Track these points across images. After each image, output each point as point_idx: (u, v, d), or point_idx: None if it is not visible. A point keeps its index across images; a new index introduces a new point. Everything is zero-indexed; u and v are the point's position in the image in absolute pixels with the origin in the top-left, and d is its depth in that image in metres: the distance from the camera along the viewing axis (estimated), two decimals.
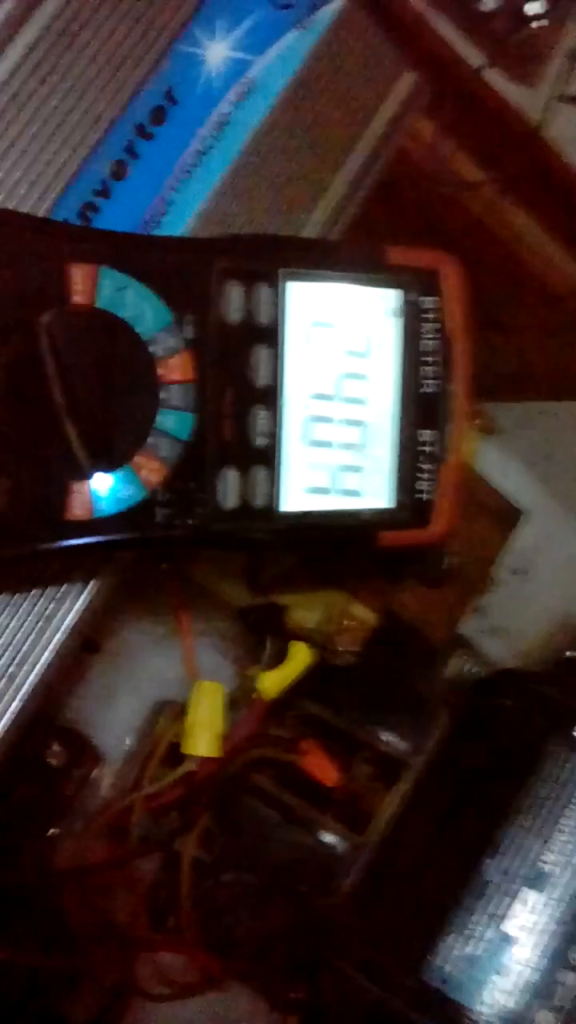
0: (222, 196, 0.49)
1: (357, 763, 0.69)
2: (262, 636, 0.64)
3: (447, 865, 0.61)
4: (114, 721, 0.72)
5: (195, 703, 0.61)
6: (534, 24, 0.60)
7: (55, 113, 0.45)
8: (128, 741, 0.72)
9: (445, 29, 0.58)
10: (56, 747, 0.68)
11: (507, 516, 0.69)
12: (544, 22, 0.59)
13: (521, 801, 0.60)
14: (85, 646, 0.67)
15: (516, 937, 0.58)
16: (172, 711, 0.69)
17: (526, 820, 0.59)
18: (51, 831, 0.68)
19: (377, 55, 0.53)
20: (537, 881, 0.58)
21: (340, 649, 0.63)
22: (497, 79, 0.59)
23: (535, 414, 0.87)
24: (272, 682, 0.62)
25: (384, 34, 0.53)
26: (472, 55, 0.58)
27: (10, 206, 0.44)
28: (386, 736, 0.69)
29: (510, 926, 0.58)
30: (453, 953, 0.58)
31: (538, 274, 0.70)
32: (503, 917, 0.58)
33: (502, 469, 0.82)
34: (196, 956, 0.67)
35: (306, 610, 0.64)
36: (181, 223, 0.48)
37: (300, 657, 0.63)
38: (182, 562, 0.65)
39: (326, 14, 0.51)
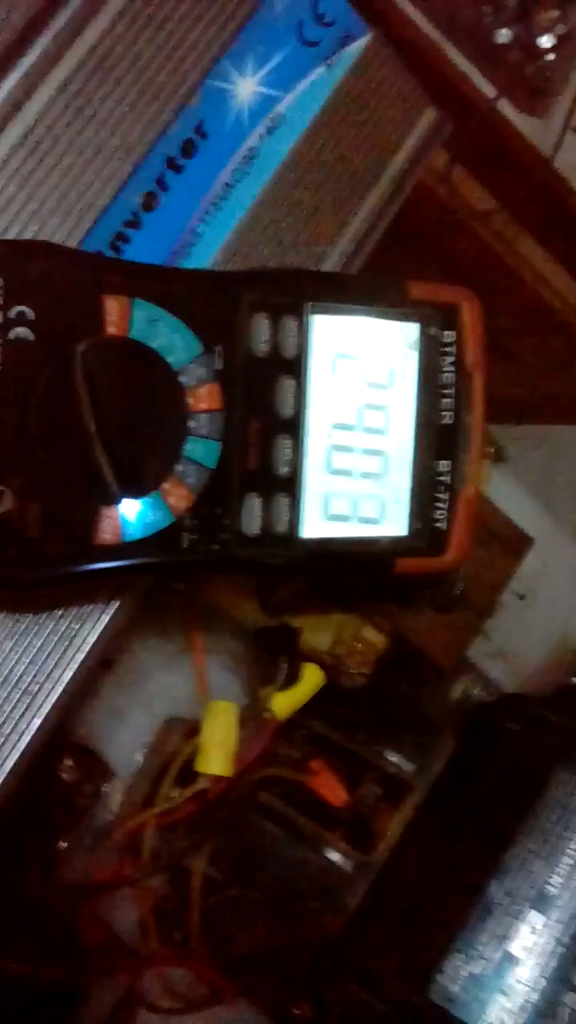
0: (249, 228, 0.49)
1: (364, 783, 0.69)
2: (276, 656, 0.64)
3: (452, 885, 0.62)
4: (125, 737, 0.73)
5: (210, 722, 0.61)
6: (547, 57, 0.61)
7: (89, 145, 0.46)
8: (138, 757, 0.73)
9: (460, 62, 0.59)
10: (69, 762, 0.69)
11: (515, 542, 0.70)
12: (557, 55, 0.61)
13: (527, 824, 0.61)
14: (99, 663, 0.67)
15: (521, 958, 0.58)
16: (183, 728, 0.69)
17: (532, 843, 0.60)
18: (61, 844, 0.69)
19: (400, 91, 0.53)
20: (542, 903, 0.59)
21: (350, 671, 0.64)
22: (510, 110, 0.60)
23: (539, 440, 0.88)
24: (284, 702, 0.63)
25: (406, 70, 0.54)
26: (486, 87, 0.59)
27: (43, 236, 0.45)
28: (393, 757, 0.70)
29: (515, 947, 0.59)
30: (458, 972, 0.59)
31: (545, 302, 0.71)
32: (508, 938, 0.59)
33: (510, 496, 0.83)
34: (202, 971, 0.67)
35: (318, 632, 0.65)
36: (209, 254, 0.49)
37: (312, 678, 0.64)
38: (196, 582, 0.66)
39: (351, 51, 0.52)
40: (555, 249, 0.69)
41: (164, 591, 0.63)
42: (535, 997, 0.58)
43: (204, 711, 0.62)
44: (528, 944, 0.58)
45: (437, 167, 0.63)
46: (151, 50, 0.47)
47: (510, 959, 0.58)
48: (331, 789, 0.67)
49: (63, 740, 0.70)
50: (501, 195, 0.66)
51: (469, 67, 0.59)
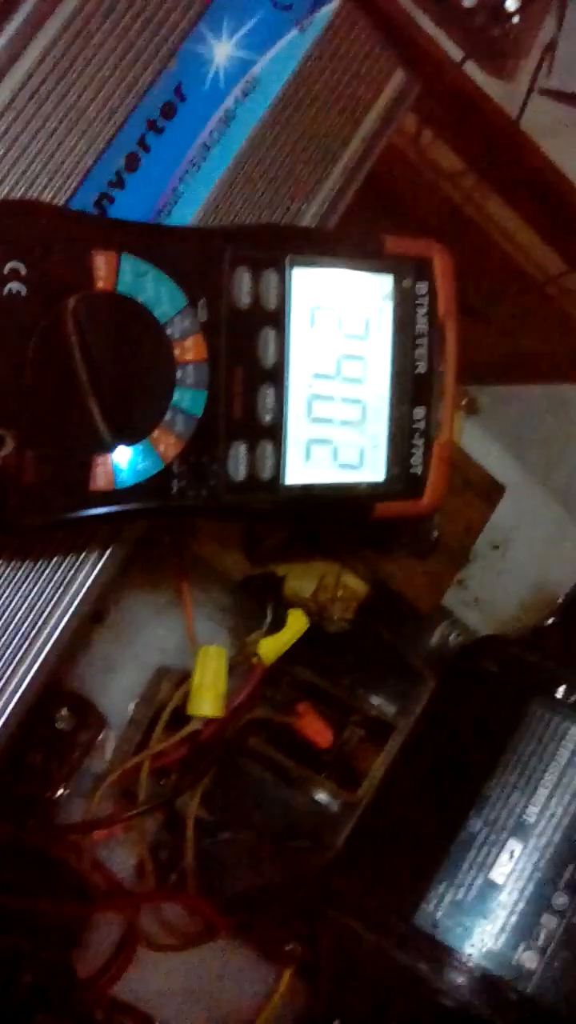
0: (228, 187, 0.51)
1: (348, 726, 0.71)
2: (262, 604, 0.66)
3: (435, 819, 0.64)
4: (117, 687, 0.75)
5: (201, 667, 0.63)
6: (513, 19, 0.62)
7: (73, 109, 0.47)
8: (130, 707, 0.75)
9: (428, 25, 0.60)
10: (64, 712, 0.71)
11: (490, 492, 0.72)
12: (522, 17, 0.62)
13: (505, 758, 0.63)
14: (91, 616, 0.69)
15: (501, 884, 0.61)
16: (173, 677, 0.71)
17: (509, 776, 0.63)
18: (59, 792, 0.71)
19: (370, 53, 0.55)
20: (521, 832, 0.62)
21: (333, 617, 0.66)
22: (477, 73, 0.61)
23: (511, 396, 0.90)
24: (271, 647, 0.65)
25: (376, 32, 0.55)
26: (453, 50, 0.60)
27: (32, 196, 0.46)
28: (376, 700, 0.72)
29: (496, 874, 0.61)
30: (443, 900, 0.61)
31: (514, 262, 0.72)
32: (489, 866, 0.61)
33: (483, 446, 0.85)
34: (198, 906, 0.69)
35: (302, 580, 0.66)
36: (190, 213, 0.50)
37: (297, 624, 0.65)
38: (183, 535, 0.67)
39: (323, 14, 0.53)
40: (523, 209, 0.70)
41: (152, 544, 0.65)
42: (514, 919, 0.60)
43: (194, 657, 0.64)
44: (507, 871, 0.61)
45: (407, 129, 0.64)
46: (130, 16, 0.48)
47: (491, 885, 0.61)
48: (317, 730, 0.69)
49: (58, 690, 0.72)
50: (469, 157, 0.67)
51: (436, 30, 0.60)
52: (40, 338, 0.41)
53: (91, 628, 0.73)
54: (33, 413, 0.41)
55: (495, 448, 0.87)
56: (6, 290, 0.40)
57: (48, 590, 0.48)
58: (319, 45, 0.53)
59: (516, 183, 0.67)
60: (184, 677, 0.67)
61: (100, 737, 0.73)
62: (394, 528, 0.66)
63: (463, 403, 0.86)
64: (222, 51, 0.50)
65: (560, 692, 0.65)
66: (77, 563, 0.49)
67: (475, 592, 0.86)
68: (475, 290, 0.74)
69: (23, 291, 0.41)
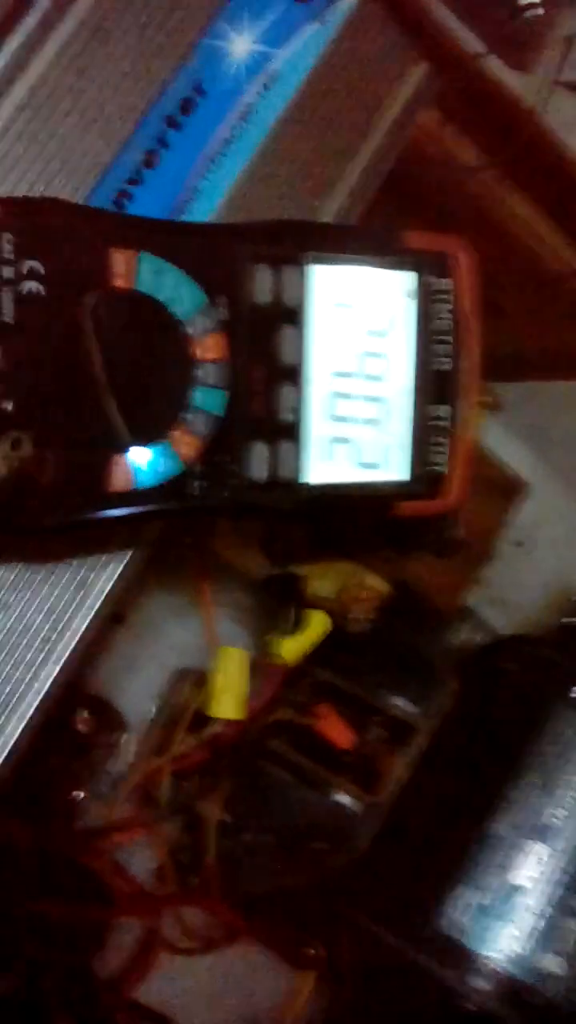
0: (247, 183, 0.51)
1: (370, 727, 0.71)
2: (283, 604, 0.66)
3: (457, 821, 0.63)
4: (137, 689, 0.74)
5: (222, 668, 0.63)
6: (531, 12, 0.61)
7: (91, 105, 0.47)
8: (151, 708, 0.74)
9: (447, 18, 0.59)
10: (84, 714, 0.70)
11: (511, 489, 0.72)
12: (540, 10, 0.61)
13: (527, 759, 0.62)
14: (112, 618, 0.69)
15: (524, 887, 0.60)
16: (193, 678, 0.71)
17: (533, 777, 0.62)
18: (79, 795, 0.70)
19: (390, 46, 0.55)
20: (544, 834, 0.61)
21: (354, 617, 0.66)
22: (496, 66, 0.61)
23: (532, 393, 0.89)
24: (291, 648, 0.64)
25: (396, 26, 0.55)
26: (473, 43, 0.60)
27: (50, 193, 0.46)
28: (397, 700, 0.71)
29: (519, 877, 0.60)
30: (465, 904, 0.60)
31: (535, 256, 0.72)
32: (512, 868, 0.61)
33: (505, 444, 0.84)
34: (218, 910, 0.69)
35: (322, 580, 0.66)
36: (209, 209, 0.50)
37: (318, 624, 0.65)
38: (203, 535, 0.67)
39: (342, 7, 0.53)
40: (545, 204, 0.69)
41: (172, 545, 0.65)
42: (541, 924, 0.59)
43: (214, 659, 0.64)
44: (533, 874, 0.60)
45: (427, 124, 0.63)
46: (149, 10, 0.48)
47: (516, 889, 0.60)
48: (338, 731, 0.68)
49: (78, 692, 0.71)
50: (490, 151, 0.66)
51: (456, 23, 0.59)
52: (59, 337, 0.41)
53: (111, 629, 0.73)
54: (51, 414, 0.41)
55: (517, 445, 0.86)
56: (24, 289, 0.40)
57: (68, 592, 0.48)
58: (339, 39, 0.53)
59: (537, 177, 0.66)
60: (205, 678, 0.67)
61: (120, 739, 0.73)
62: (416, 527, 0.66)
63: (485, 400, 0.85)
64: (241, 45, 0.50)
65: None
66: (97, 564, 0.49)
67: (497, 591, 0.85)
68: (496, 285, 0.74)
69: (41, 290, 0.40)
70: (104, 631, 0.69)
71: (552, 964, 0.59)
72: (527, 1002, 0.59)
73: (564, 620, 0.73)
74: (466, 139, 0.66)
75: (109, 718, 0.72)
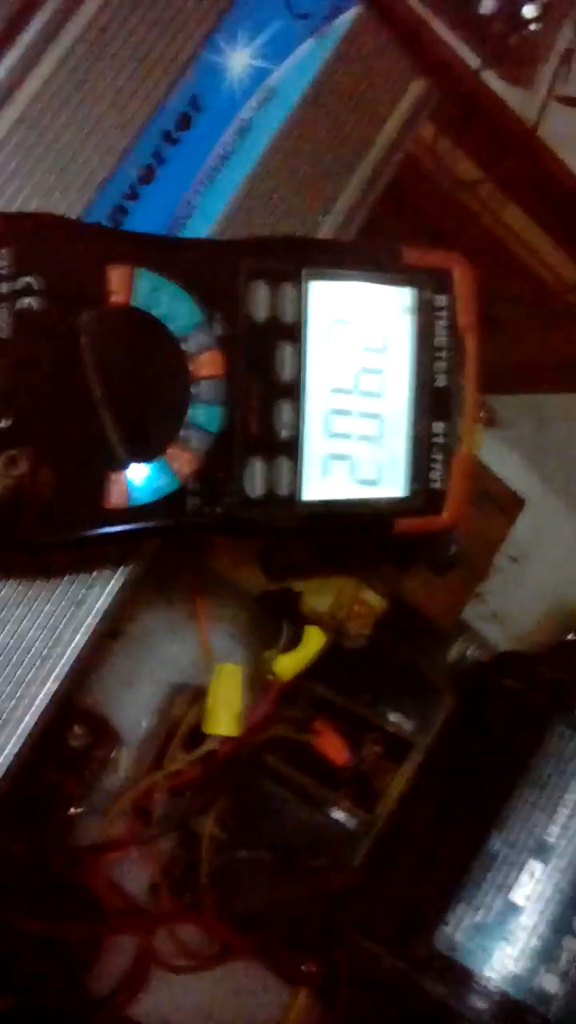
0: (244, 199, 0.50)
1: (366, 743, 0.70)
2: (278, 620, 0.65)
3: (455, 839, 0.63)
4: (132, 704, 0.74)
5: (216, 685, 0.62)
6: (531, 27, 0.61)
7: (87, 120, 0.47)
8: (145, 723, 0.74)
9: (445, 33, 0.59)
10: (78, 729, 0.70)
11: (509, 505, 0.71)
12: (540, 25, 0.61)
13: (526, 777, 0.62)
14: (107, 632, 0.68)
15: (522, 906, 0.60)
16: (189, 694, 0.71)
17: (531, 795, 0.62)
18: (73, 810, 0.70)
19: (389, 62, 0.54)
20: (542, 853, 0.61)
21: (351, 633, 0.65)
22: (495, 81, 0.61)
23: (531, 407, 0.89)
24: (288, 664, 0.64)
25: (394, 41, 0.55)
26: (470, 57, 0.60)
27: (46, 210, 0.46)
28: (394, 717, 0.71)
29: (517, 896, 0.60)
30: (462, 922, 0.60)
31: (532, 270, 0.72)
32: (510, 887, 0.60)
33: (502, 459, 0.84)
34: (213, 927, 0.69)
35: (319, 596, 0.66)
36: (206, 225, 0.50)
37: (314, 640, 0.65)
38: (198, 551, 0.67)
39: (341, 23, 0.53)
40: (541, 218, 0.69)
41: (167, 560, 0.64)
42: (536, 943, 0.59)
43: (209, 674, 0.63)
44: (529, 892, 0.60)
45: (423, 137, 0.63)
46: (145, 25, 0.48)
47: (512, 907, 0.60)
48: (334, 748, 0.68)
49: (72, 707, 0.71)
50: (487, 165, 0.66)
51: (454, 38, 0.59)
52: (54, 354, 0.41)
53: (106, 644, 0.73)
54: (48, 430, 0.41)
55: (514, 460, 0.86)
56: (20, 305, 0.40)
57: (62, 607, 0.48)
58: (337, 54, 0.53)
59: (534, 192, 0.66)
60: (200, 693, 0.66)
61: (114, 754, 0.72)
62: (413, 543, 0.65)
63: (482, 415, 0.85)
64: (239, 60, 0.50)
65: None
66: (92, 580, 0.48)
67: (494, 606, 0.85)
68: (494, 299, 0.73)
69: (37, 305, 0.40)
70: (100, 646, 0.69)
71: (548, 983, 0.59)
72: (523, 1020, 0.59)
73: (569, 637, 0.73)
74: (463, 153, 0.66)
75: (104, 733, 0.72)
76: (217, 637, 0.72)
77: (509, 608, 0.86)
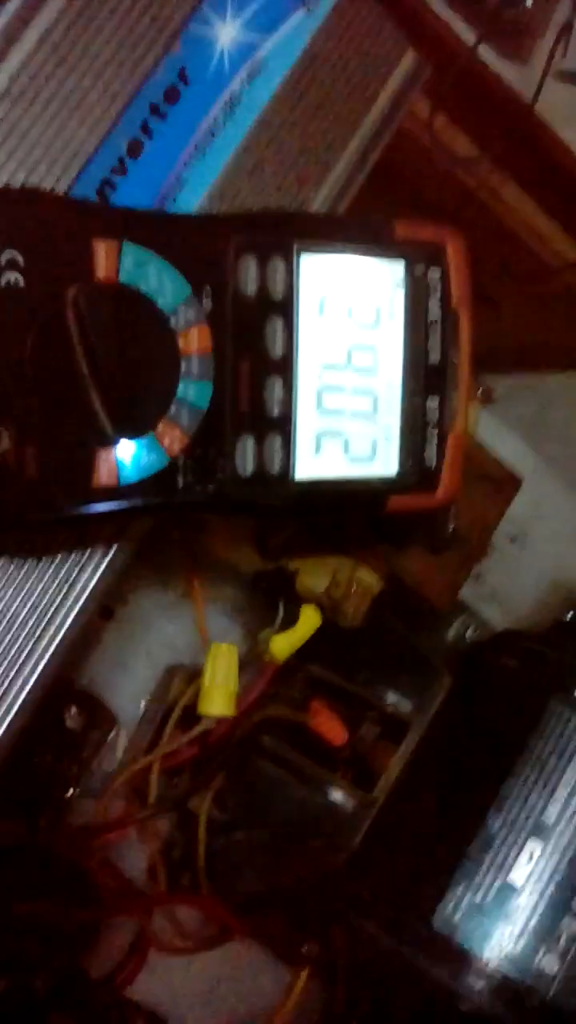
0: (233, 173, 0.50)
1: (363, 723, 0.70)
2: (274, 600, 0.65)
3: (453, 819, 0.63)
4: (128, 685, 0.74)
5: (211, 665, 0.62)
6: (527, 1, 0.60)
7: (73, 93, 0.46)
8: (141, 704, 0.74)
9: (439, 7, 0.59)
10: (73, 711, 0.70)
11: (506, 484, 0.71)
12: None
13: (524, 757, 0.62)
14: (100, 613, 0.68)
15: (521, 886, 0.60)
16: (184, 675, 0.70)
17: (529, 775, 0.61)
18: (69, 792, 0.70)
19: (380, 33, 0.54)
20: (540, 833, 0.60)
21: (347, 613, 0.65)
22: (490, 56, 0.60)
23: (528, 386, 0.89)
24: (283, 644, 0.64)
25: (385, 13, 0.54)
26: (466, 33, 0.59)
27: (32, 183, 0.45)
28: (391, 696, 0.70)
29: (515, 876, 0.60)
30: (461, 903, 0.60)
31: (529, 247, 0.71)
32: (508, 867, 0.60)
33: (498, 437, 0.83)
34: (211, 908, 0.68)
35: (314, 575, 0.65)
36: (195, 199, 0.49)
37: (310, 620, 0.64)
38: (193, 530, 0.66)
39: None
40: (538, 195, 0.69)
41: (161, 540, 0.64)
42: (535, 923, 0.59)
43: (205, 655, 0.63)
44: (527, 872, 0.60)
45: (420, 114, 0.63)
46: None
47: (510, 887, 0.60)
48: (331, 728, 0.68)
49: (67, 689, 0.71)
50: (483, 142, 0.66)
51: (449, 13, 0.59)
52: (39, 330, 0.40)
53: (101, 625, 0.73)
54: (34, 407, 0.40)
55: (512, 439, 0.86)
56: (4, 281, 0.40)
57: (53, 587, 0.48)
58: (326, 27, 0.52)
59: (531, 168, 0.66)
60: (195, 674, 0.66)
61: (111, 736, 0.72)
62: (408, 522, 0.65)
63: (478, 393, 0.84)
64: (227, 33, 0.49)
65: None
66: (82, 560, 0.48)
67: (492, 586, 0.85)
68: (490, 277, 0.73)
69: (21, 281, 0.40)
70: (93, 627, 0.69)
71: (549, 964, 0.59)
72: (522, 1001, 0.59)
73: (567, 616, 0.73)
74: (459, 130, 0.65)
75: (99, 715, 0.71)
76: (213, 617, 0.72)
77: (508, 588, 0.85)
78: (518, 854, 0.60)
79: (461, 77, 0.59)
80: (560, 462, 0.88)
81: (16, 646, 0.47)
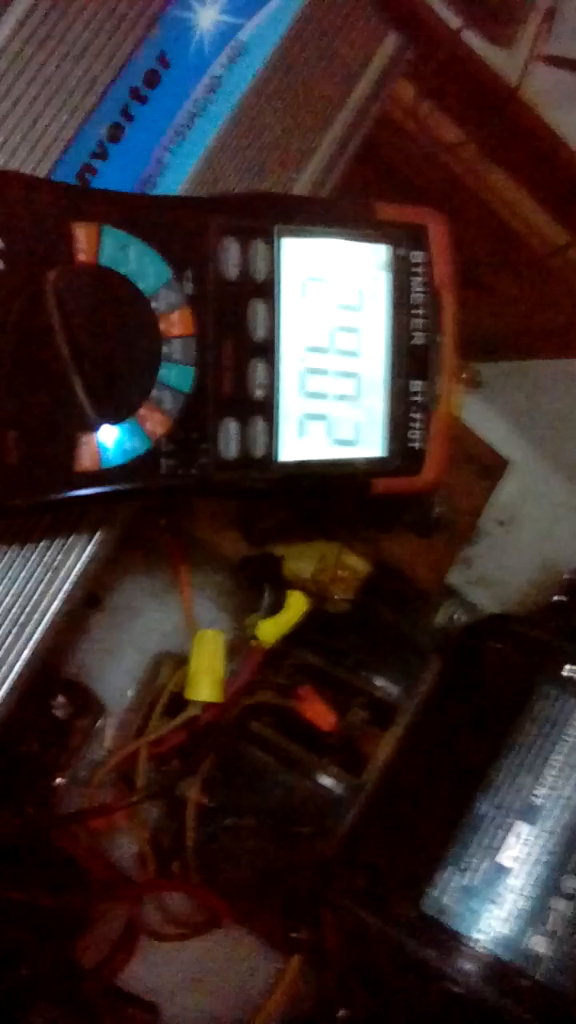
0: (215, 157, 0.50)
1: (352, 708, 0.70)
2: (260, 586, 0.65)
3: (442, 802, 0.63)
4: (115, 673, 0.74)
5: (198, 651, 0.62)
6: None
7: (53, 78, 0.46)
8: (129, 692, 0.74)
9: None
10: (61, 699, 0.70)
11: (493, 468, 0.71)
12: None
13: (512, 739, 0.62)
14: (87, 601, 0.68)
15: (510, 868, 0.60)
16: (172, 662, 0.70)
17: (518, 756, 0.61)
18: (57, 780, 0.70)
19: (362, 16, 0.54)
20: (529, 814, 0.60)
21: (334, 597, 0.65)
22: (475, 40, 0.60)
23: (515, 371, 0.88)
24: (270, 630, 0.64)
25: None
26: (450, 17, 0.59)
27: (11, 169, 0.45)
28: (380, 681, 0.70)
29: (504, 857, 0.60)
30: (450, 885, 0.60)
31: (517, 233, 0.71)
32: (497, 849, 0.60)
33: (487, 422, 0.83)
34: (201, 895, 0.69)
35: (301, 560, 0.65)
36: (176, 183, 0.49)
37: (297, 605, 0.64)
38: (179, 516, 0.66)
39: None
40: (525, 179, 0.69)
41: (148, 527, 0.64)
42: (525, 904, 0.59)
43: (192, 642, 0.63)
44: (516, 854, 0.60)
45: (405, 100, 0.62)
46: None
47: (500, 869, 0.60)
48: (320, 714, 0.68)
49: (55, 678, 0.71)
50: (469, 127, 0.66)
51: None
52: (19, 314, 0.40)
53: (87, 613, 0.73)
54: (14, 392, 0.40)
55: (501, 424, 0.86)
56: None
57: (37, 574, 0.48)
58: (308, 8, 0.52)
59: (518, 153, 0.66)
60: (183, 661, 0.66)
61: (98, 723, 0.72)
62: (394, 505, 0.65)
63: (464, 377, 0.84)
64: (207, 16, 0.49)
65: (567, 671, 0.63)
66: (66, 546, 0.48)
67: (480, 570, 0.85)
68: (477, 262, 0.73)
69: (0, 265, 0.39)
70: (79, 614, 0.69)
71: (538, 944, 0.59)
72: (513, 983, 0.59)
73: (555, 598, 0.73)
74: (445, 115, 0.65)
75: (86, 703, 0.71)
76: (200, 604, 0.72)
77: (496, 572, 0.85)
78: (507, 835, 0.60)
79: (446, 62, 0.59)
80: (549, 447, 0.88)
81: (1, 633, 0.47)
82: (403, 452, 0.48)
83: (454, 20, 0.58)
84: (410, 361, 0.48)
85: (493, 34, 0.60)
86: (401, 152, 0.66)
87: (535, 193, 0.69)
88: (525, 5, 0.61)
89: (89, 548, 0.48)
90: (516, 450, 0.82)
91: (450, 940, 0.59)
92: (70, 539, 0.48)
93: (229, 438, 0.44)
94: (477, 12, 0.59)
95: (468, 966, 0.59)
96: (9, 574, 0.47)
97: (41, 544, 0.47)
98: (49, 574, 0.48)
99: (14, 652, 0.47)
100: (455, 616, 0.81)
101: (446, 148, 0.66)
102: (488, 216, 0.70)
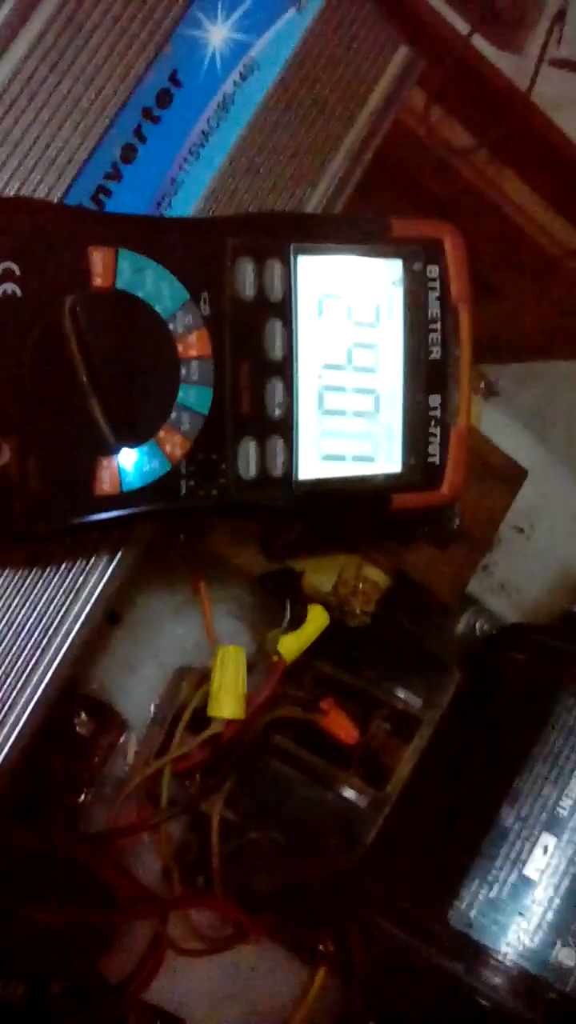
0: (229, 174, 0.50)
1: (374, 720, 0.70)
2: (281, 600, 0.65)
3: (466, 814, 0.63)
4: (137, 689, 0.74)
5: (220, 667, 0.62)
6: None
7: (65, 100, 0.46)
8: (151, 708, 0.74)
9: None
10: (83, 716, 0.70)
11: (510, 475, 0.70)
12: None
13: (536, 750, 0.62)
14: (107, 617, 0.68)
15: (537, 880, 0.60)
16: (193, 676, 0.70)
17: (541, 768, 0.61)
18: (81, 798, 0.70)
19: (372, 30, 0.54)
20: (554, 826, 0.60)
21: (355, 610, 0.65)
22: (485, 46, 0.60)
23: (530, 376, 0.88)
24: (291, 644, 0.63)
25: (378, 8, 0.54)
26: (460, 22, 0.59)
27: (26, 192, 0.45)
28: (401, 693, 0.70)
29: (530, 870, 0.60)
30: (476, 898, 0.60)
31: (529, 237, 0.71)
32: (523, 862, 0.60)
33: (503, 428, 0.83)
34: (226, 910, 0.68)
35: (321, 574, 0.65)
36: (191, 202, 0.49)
37: (317, 619, 0.64)
38: (198, 532, 0.66)
39: None
40: (537, 183, 0.68)
41: (167, 543, 0.64)
42: (550, 916, 0.59)
43: (213, 656, 0.63)
44: (542, 866, 0.60)
45: (415, 107, 0.62)
46: (121, 1, 0.47)
47: (525, 882, 0.60)
48: (342, 727, 0.68)
49: (77, 695, 0.71)
50: (480, 132, 0.65)
51: (441, 4, 0.58)
52: (37, 340, 0.40)
53: (108, 630, 0.73)
54: (34, 418, 0.40)
55: (516, 430, 0.85)
56: (0, 292, 0.39)
57: (59, 597, 0.48)
58: (318, 24, 0.52)
59: (529, 157, 0.66)
60: (204, 676, 0.66)
61: (121, 740, 0.72)
62: (413, 518, 0.65)
63: (480, 386, 0.84)
64: (218, 34, 0.49)
65: None
66: (87, 568, 0.48)
67: (500, 578, 0.85)
68: (491, 267, 0.73)
69: (18, 292, 0.39)
70: (101, 632, 0.68)
71: (564, 956, 0.58)
72: (541, 996, 0.58)
73: (574, 608, 0.73)
74: (456, 121, 0.65)
75: (109, 720, 0.71)
76: (220, 619, 0.72)
77: (516, 580, 0.85)
78: (533, 848, 0.60)
79: (456, 68, 0.59)
80: (564, 452, 0.88)
81: (24, 655, 0.47)
82: (422, 467, 0.48)
83: (463, 25, 0.58)
84: (427, 376, 0.48)
85: (503, 39, 0.60)
86: (411, 158, 0.66)
87: (547, 196, 0.69)
88: (533, 10, 0.61)
89: (110, 568, 0.48)
90: (533, 455, 0.82)
91: (477, 953, 0.59)
92: (90, 561, 0.48)
93: (248, 458, 0.44)
94: (486, 18, 0.59)
95: (496, 979, 0.59)
96: (32, 597, 0.47)
97: (62, 566, 0.47)
98: (71, 595, 0.48)
99: (37, 674, 0.47)
100: (476, 625, 0.80)
101: (457, 153, 0.66)
102: (500, 220, 0.70)
